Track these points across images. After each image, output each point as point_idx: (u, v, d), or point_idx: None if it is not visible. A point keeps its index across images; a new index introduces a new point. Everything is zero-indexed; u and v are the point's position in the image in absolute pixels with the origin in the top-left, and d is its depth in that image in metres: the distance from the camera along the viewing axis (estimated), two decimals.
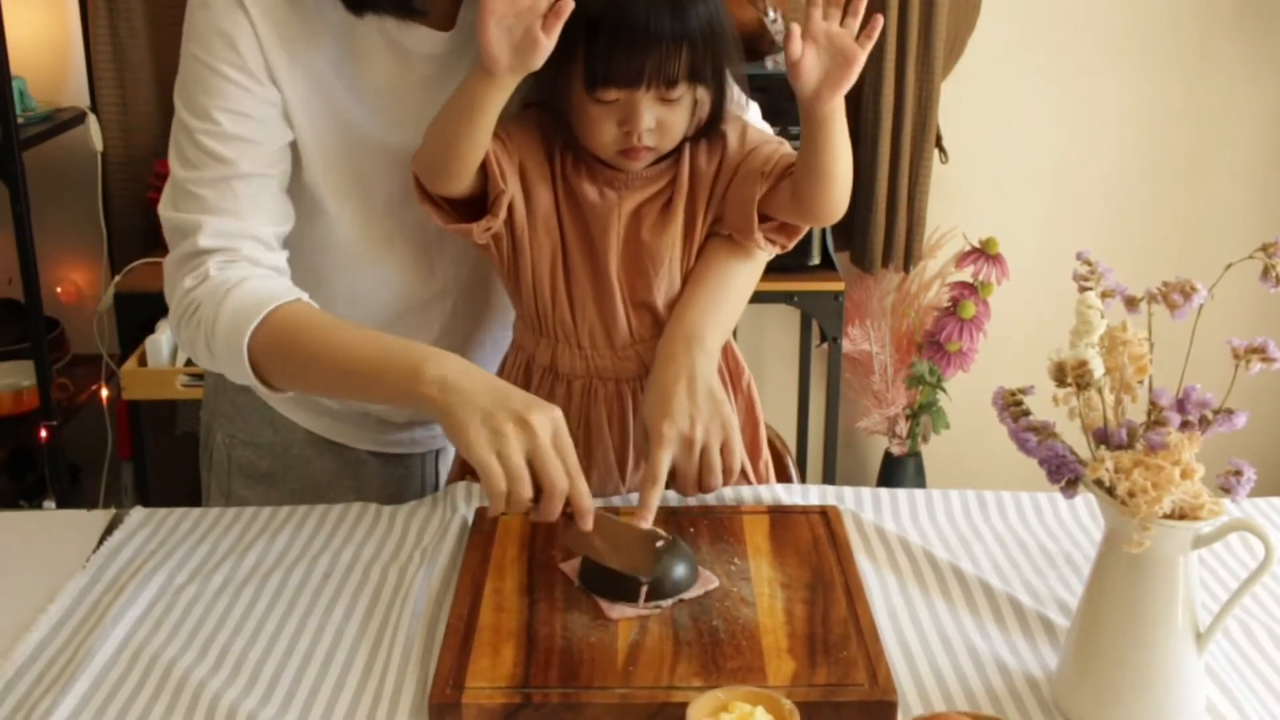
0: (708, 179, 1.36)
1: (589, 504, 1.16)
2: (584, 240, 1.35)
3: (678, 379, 1.30)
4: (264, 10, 1.26)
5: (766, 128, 1.48)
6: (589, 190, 1.34)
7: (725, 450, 1.29)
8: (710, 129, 1.34)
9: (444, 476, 1.61)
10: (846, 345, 2.80)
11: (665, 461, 1.27)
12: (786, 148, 1.37)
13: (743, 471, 1.36)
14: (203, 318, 1.25)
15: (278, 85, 1.28)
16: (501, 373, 1.44)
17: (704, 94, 1.30)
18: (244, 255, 1.27)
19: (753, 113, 1.47)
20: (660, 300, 1.37)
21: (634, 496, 1.41)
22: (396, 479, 1.57)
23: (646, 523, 1.22)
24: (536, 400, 1.16)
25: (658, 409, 1.29)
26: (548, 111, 1.33)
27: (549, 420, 1.15)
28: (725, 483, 1.31)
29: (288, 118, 1.30)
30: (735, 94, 1.44)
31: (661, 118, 1.28)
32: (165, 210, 1.30)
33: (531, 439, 1.13)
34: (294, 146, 1.32)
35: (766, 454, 1.49)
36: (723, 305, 1.37)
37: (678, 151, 1.35)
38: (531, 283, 1.36)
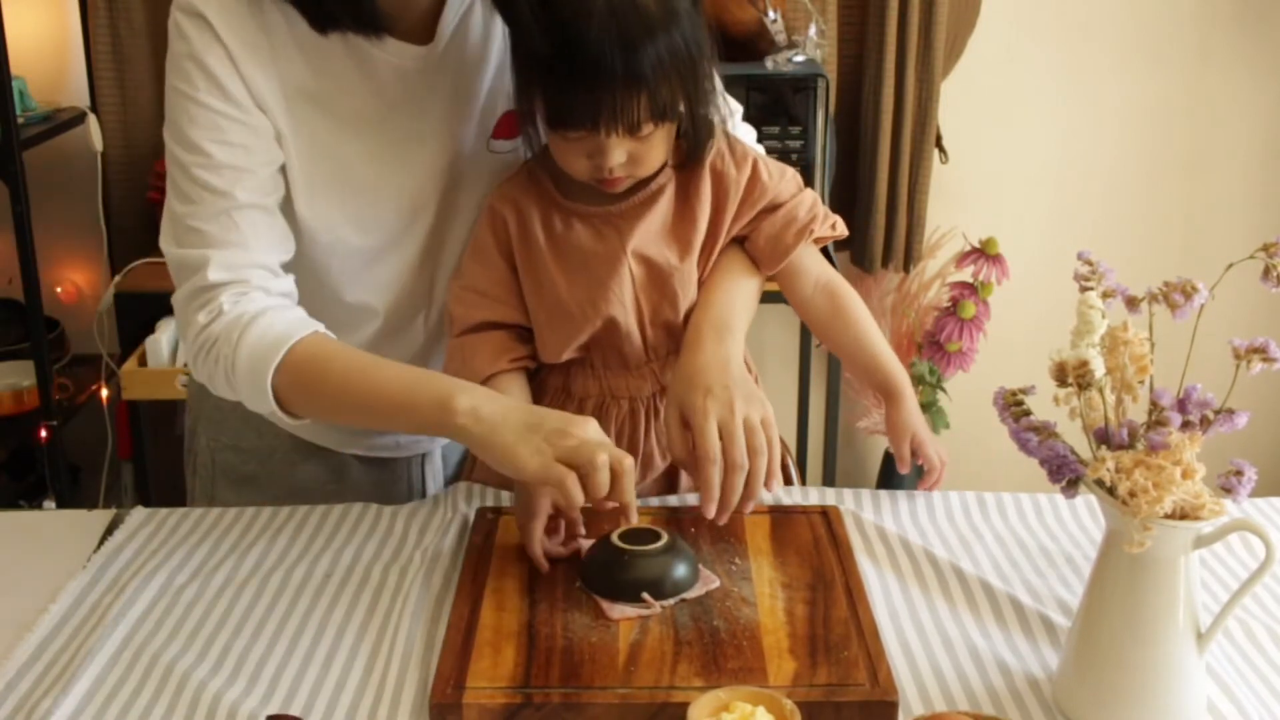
0: (738, 189, 1.34)
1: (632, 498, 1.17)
2: (589, 287, 1.33)
3: (711, 360, 1.28)
4: (236, 36, 1.24)
5: (750, 130, 1.46)
6: (585, 238, 1.33)
7: (765, 425, 1.24)
8: (699, 150, 1.31)
9: (430, 481, 1.59)
10: None
11: (714, 431, 1.22)
12: (821, 206, 1.38)
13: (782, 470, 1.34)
14: (221, 354, 1.24)
15: (263, 109, 1.27)
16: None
17: (682, 122, 1.26)
18: (255, 285, 1.26)
19: (737, 116, 1.45)
20: (681, 316, 1.35)
21: (651, 500, 1.41)
22: (382, 483, 1.55)
23: (710, 511, 1.20)
24: (569, 415, 1.16)
25: (694, 387, 1.26)
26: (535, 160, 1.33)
27: (587, 424, 1.15)
28: (769, 471, 1.24)
29: (278, 141, 1.29)
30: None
31: (634, 151, 1.24)
32: (168, 246, 1.29)
33: (580, 441, 1.13)
34: (283, 171, 1.30)
35: (777, 454, 1.48)
36: (742, 299, 1.36)
37: (680, 166, 1.33)
38: (544, 333, 1.36)
